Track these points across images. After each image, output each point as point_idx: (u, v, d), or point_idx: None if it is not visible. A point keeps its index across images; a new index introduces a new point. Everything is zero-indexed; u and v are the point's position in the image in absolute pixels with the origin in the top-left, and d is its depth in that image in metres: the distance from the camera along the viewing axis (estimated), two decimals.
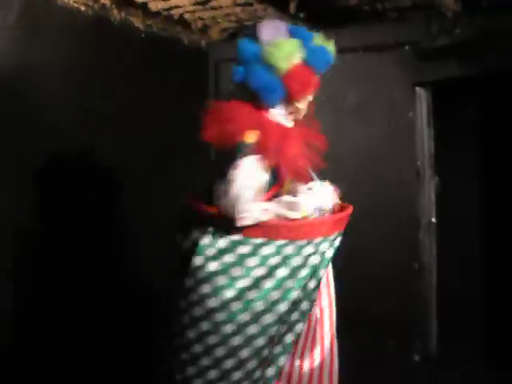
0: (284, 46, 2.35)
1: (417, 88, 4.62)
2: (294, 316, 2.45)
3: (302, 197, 2.48)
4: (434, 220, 4.63)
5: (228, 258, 2.33)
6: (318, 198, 2.58)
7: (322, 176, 4.87)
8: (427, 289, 4.63)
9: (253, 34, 2.46)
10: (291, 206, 2.38)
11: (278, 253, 2.36)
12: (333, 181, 4.80)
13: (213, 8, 4.73)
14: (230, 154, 2.40)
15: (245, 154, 2.32)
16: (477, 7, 4.30)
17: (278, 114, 2.53)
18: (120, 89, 4.50)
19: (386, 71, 4.66)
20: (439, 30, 4.35)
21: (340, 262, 4.69)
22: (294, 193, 2.51)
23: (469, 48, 4.26)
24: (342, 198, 3.16)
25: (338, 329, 2.98)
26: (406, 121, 4.58)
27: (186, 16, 4.86)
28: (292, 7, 4.68)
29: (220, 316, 2.29)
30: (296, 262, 2.41)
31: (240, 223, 2.28)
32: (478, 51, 4.26)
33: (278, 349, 2.43)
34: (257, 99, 2.46)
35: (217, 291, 2.30)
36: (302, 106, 2.65)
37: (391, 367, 4.32)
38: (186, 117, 5.09)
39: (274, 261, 2.35)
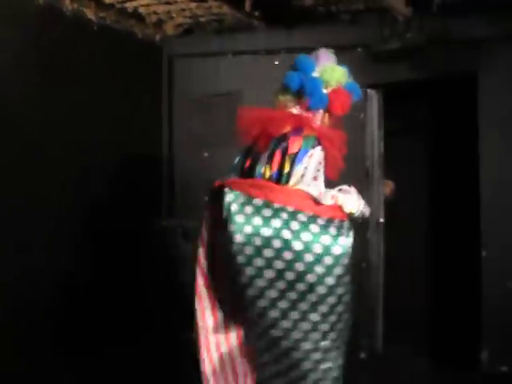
0: (337, 70, 2.90)
1: (368, 90, 4.69)
2: None
3: (357, 197, 2.76)
4: (381, 220, 4.71)
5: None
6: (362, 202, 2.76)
7: None
8: (374, 288, 4.71)
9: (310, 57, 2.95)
10: (350, 201, 2.66)
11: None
12: None
13: (168, 3, 4.71)
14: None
15: (313, 146, 2.60)
16: (427, 13, 4.40)
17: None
18: (70, 81, 4.42)
19: None
20: (391, 33, 4.43)
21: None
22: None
23: (419, 52, 4.35)
24: None
25: None
26: (356, 122, 4.64)
27: (141, 10, 4.82)
28: (247, 5, 4.69)
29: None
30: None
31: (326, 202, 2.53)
32: (427, 55, 4.35)
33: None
34: (302, 104, 2.79)
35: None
36: (327, 120, 2.85)
37: None
38: (139, 111, 5.11)
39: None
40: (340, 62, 4.64)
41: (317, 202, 2.54)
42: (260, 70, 5.02)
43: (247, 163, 2.76)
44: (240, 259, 2.46)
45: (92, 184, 4.58)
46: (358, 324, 4.49)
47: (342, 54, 4.65)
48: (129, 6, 4.69)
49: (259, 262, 2.44)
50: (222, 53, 5.17)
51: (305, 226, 2.47)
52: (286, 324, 2.46)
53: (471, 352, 4.25)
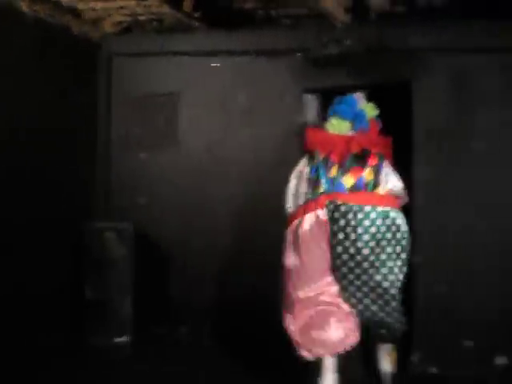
0: (372, 107, 3.94)
1: (306, 94, 4.74)
2: None
3: None
4: None
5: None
6: None
7: (209, 177, 4.93)
8: None
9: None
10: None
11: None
12: (219, 181, 4.89)
13: (106, 0, 4.61)
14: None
15: (383, 159, 3.72)
16: (365, 21, 4.50)
17: None
18: (4, 75, 4.26)
19: (277, 76, 4.75)
20: (330, 39, 4.49)
21: (228, 264, 4.80)
22: None
23: (357, 58, 4.43)
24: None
25: None
26: (294, 126, 4.68)
27: (78, 5, 4.69)
28: (187, 5, 4.66)
29: None
30: None
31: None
32: (365, 62, 4.44)
33: None
34: (353, 129, 3.86)
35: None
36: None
37: None
38: (74, 110, 4.98)
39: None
40: (279, 65, 4.76)
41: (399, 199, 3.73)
42: (199, 72, 5.00)
43: (331, 174, 3.69)
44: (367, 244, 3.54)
45: (22, 185, 4.41)
46: None
47: (281, 58, 4.78)
48: (65, 0, 4.56)
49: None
50: (161, 53, 5.09)
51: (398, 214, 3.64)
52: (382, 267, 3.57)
53: (403, 354, 4.34)
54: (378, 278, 3.53)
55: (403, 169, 4.31)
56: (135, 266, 4.81)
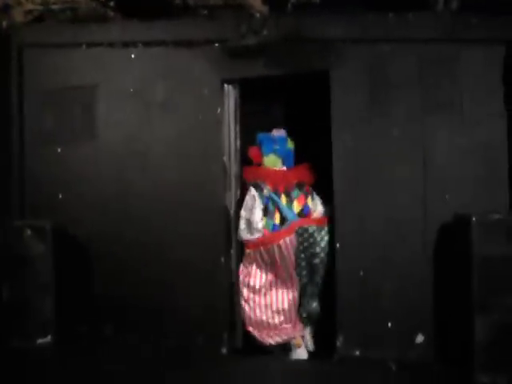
0: (292, 142, 4.78)
1: (225, 85, 4.73)
2: None
3: None
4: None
5: None
6: None
7: (128, 170, 4.85)
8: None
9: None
10: None
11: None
12: (139, 175, 4.81)
13: None
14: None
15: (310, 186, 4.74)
16: (283, 11, 4.52)
17: None
18: None
19: (196, 67, 4.70)
20: (247, 29, 4.49)
21: (150, 257, 4.74)
22: None
23: (275, 49, 4.45)
24: None
25: None
26: (213, 117, 4.67)
27: None
28: None
29: None
30: None
31: None
32: (283, 52, 4.47)
33: None
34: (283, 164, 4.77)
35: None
36: None
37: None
38: None
39: None
40: (197, 56, 4.72)
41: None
42: (116, 63, 4.87)
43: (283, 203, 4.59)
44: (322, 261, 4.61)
45: None
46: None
47: (199, 48, 4.73)
48: None
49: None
50: (75, 44, 4.93)
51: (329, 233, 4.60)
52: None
53: (330, 340, 4.45)
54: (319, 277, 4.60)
55: (324, 158, 4.45)
56: (55, 263, 4.66)
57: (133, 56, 4.84)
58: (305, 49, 4.48)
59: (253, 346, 4.65)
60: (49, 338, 4.60)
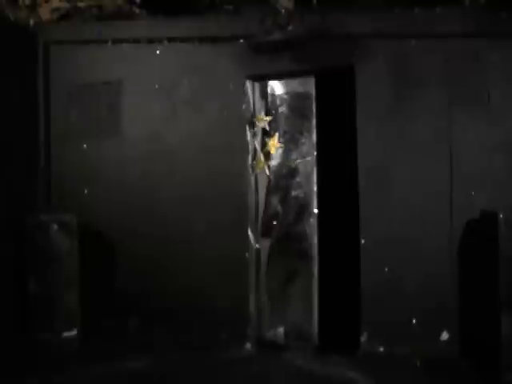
0: None
1: (250, 81, 4.73)
2: None
3: None
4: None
5: None
6: None
7: (153, 165, 4.88)
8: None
9: None
10: None
11: None
12: (164, 170, 4.84)
13: None
14: None
15: None
16: (308, 7, 4.52)
17: None
18: None
19: (221, 63, 4.72)
20: (273, 25, 4.49)
21: (176, 253, 4.76)
22: None
23: (300, 44, 4.45)
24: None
25: None
26: (238, 113, 4.68)
27: None
28: None
29: None
30: None
31: None
32: (308, 47, 4.46)
33: None
34: None
35: None
36: None
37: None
38: (11, 101, 4.82)
39: None
40: (222, 52, 4.73)
41: None
42: (141, 60, 4.90)
43: None
44: None
45: None
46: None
47: (224, 44, 4.75)
48: None
49: None
50: (101, 40, 4.98)
51: None
52: None
53: (353, 336, 4.43)
54: None
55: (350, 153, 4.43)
56: (81, 258, 4.71)
57: (158, 52, 4.87)
58: (330, 44, 4.47)
59: (278, 342, 4.66)
60: (74, 332, 4.65)
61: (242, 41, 4.65)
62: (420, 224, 4.32)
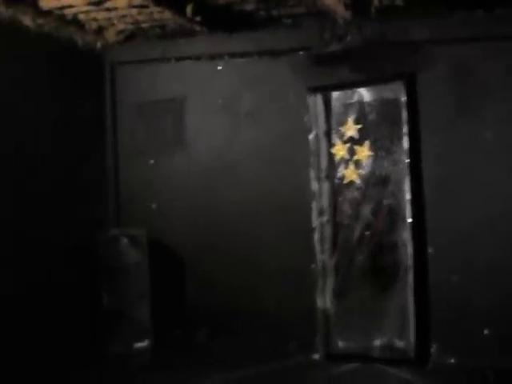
0: None
1: (311, 92, 4.74)
2: None
3: None
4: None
5: None
6: None
7: (218, 179, 4.96)
8: None
9: None
10: None
11: None
12: (229, 183, 4.91)
13: (108, 9, 4.62)
14: None
15: None
16: (366, 16, 4.50)
17: None
18: (8, 91, 4.30)
19: (281, 76, 4.76)
20: (332, 36, 4.51)
21: (243, 264, 4.82)
22: None
23: (360, 53, 4.44)
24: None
25: None
26: (300, 125, 4.69)
27: (80, 16, 4.73)
28: (189, 10, 4.67)
29: None
30: None
31: None
32: (368, 56, 4.44)
33: None
34: None
35: None
36: None
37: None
38: (81, 120, 5.02)
39: None
40: (282, 65, 4.77)
41: None
42: (203, 76, 5.02)
43: None
44: None
45: (33, 197, 4.46)
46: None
47: (284, 57, 4.79)
48: (68, 12, 4.59)
49: None
50: (164, 59, 5.13)
51: None
52: None
53: (422, 347, 4.35)
54: None
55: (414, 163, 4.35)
56: (150, 271, 4.84)
57: (219, 68, 4.97)
58: (390, 52, 4.43)
59: (345, 352, 4.63)
60: (146, 343, 4.78)
61: (301, 53, 4.69)
62: (488, 232, 4.19)
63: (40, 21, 4.57)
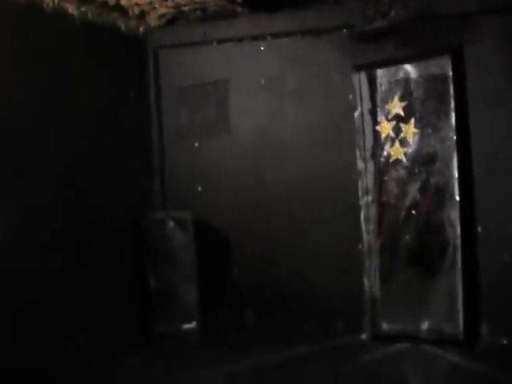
0: None
1: (355, 70, 4.66)
2: None
3: None
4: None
5: None
6: None
7: (263, 161, 4.95)
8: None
9: None
10: None
11: None
12: (274, 165, 4.90)
13: None
14: None
15: None
16: None
17: None
18: (54, 78, 4.38)
19: (324, 55, 4.69)
20: (375, 12, 4.41)
21: (289, 246, 4.82)
22: None
23: (404, 29, 4.33)
24: None
25: None
26: (345, 104, 4.62)
27: (123, 2, 4.77)
28: None
29: None
30: None
31: None
32: (413, 31, 4.33)
33: None
34: None
35: None
36: None
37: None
38: (126, 105, 5.09)
39: None
40: (325, 44, 4.70)
41: None
42: (246, 57, 5.01)
43: None
44: None
45: (82, 180, 4.56)
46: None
47: (327, 36, 4.72)
48: None
49: None
50: (206, 41, 5.13)
51: None
52: None
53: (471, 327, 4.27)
54: None
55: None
56: (197, 253, 4.90)
57: (262, 48, 4.94)
58: (435, 26, 4.30)
59: (393, 334, 4.59)
60: (193, 324, 4.86)
61: (344, 31, 4.61)
62: None
63: (84, 8, 4.63)
